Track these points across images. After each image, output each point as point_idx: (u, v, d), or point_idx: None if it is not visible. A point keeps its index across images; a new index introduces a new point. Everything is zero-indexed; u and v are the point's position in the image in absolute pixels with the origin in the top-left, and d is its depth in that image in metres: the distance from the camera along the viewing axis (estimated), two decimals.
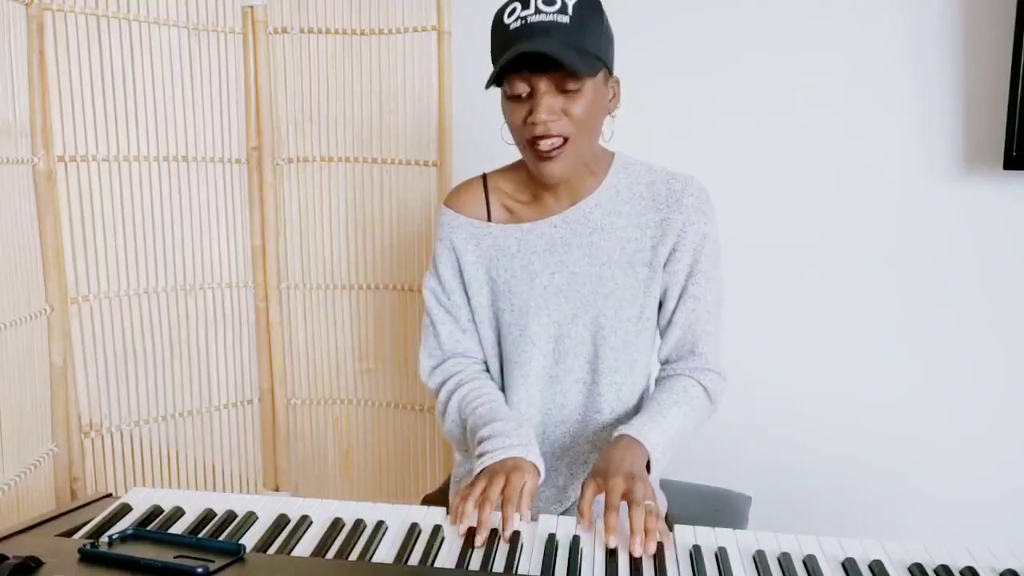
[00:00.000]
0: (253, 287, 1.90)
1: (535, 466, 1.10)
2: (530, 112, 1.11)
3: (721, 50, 1.79)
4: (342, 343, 1.93)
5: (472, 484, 1.04)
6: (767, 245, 1.82)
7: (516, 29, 1.09)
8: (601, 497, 1.02)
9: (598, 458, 1.10)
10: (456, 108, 1.79)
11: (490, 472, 1.06)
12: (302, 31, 1.82)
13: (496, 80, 1.12)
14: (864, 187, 1.76)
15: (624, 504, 0.99)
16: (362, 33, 1.81)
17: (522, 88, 1.11)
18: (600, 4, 1.13)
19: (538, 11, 1.08)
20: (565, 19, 1.08)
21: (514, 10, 1.10)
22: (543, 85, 1.10)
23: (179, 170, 1.78)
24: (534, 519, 1.01)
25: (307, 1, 1.80)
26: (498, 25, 1.13)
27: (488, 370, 1.33)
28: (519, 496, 1.02)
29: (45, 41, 1.57)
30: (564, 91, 1.10)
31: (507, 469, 1.06)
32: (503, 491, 1.02)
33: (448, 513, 1.02)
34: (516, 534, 0.96)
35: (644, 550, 0.92)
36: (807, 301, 1.83)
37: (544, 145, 1.12)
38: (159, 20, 1.71)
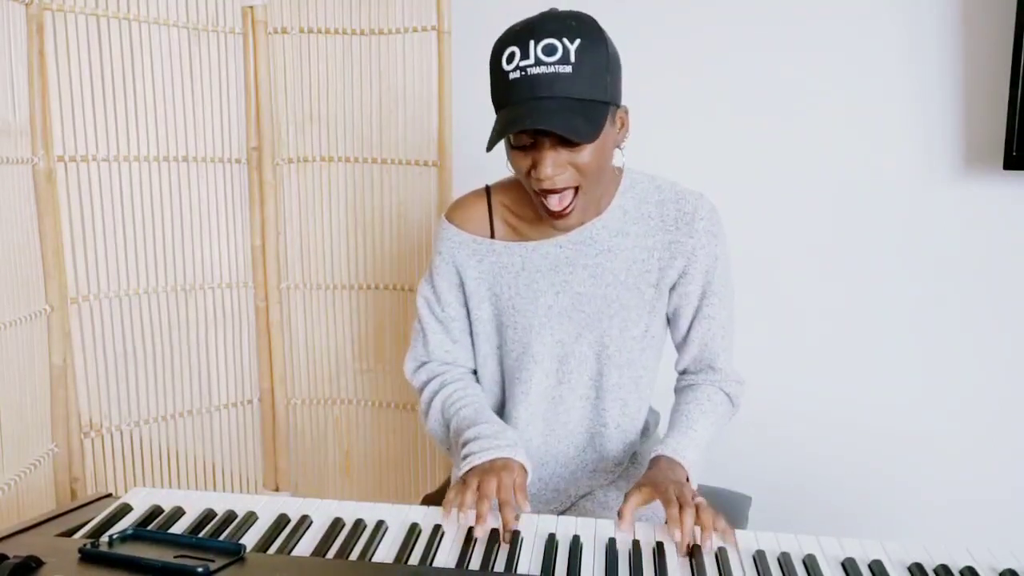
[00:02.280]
0: (253, 287, 1.90)
1: (523, 466, 1.10)
2: (534, 165, 1.07)
3: (721, 50, 1.79)
4: (342, 343, 1.93)
5: (465, 480, 1.04)
6: (766, 245, 1.82)
7: (516, 80, 1.03)
8: (641, 510, 1.01)
9: (642, 477, 1.09)
10: (456, 108, 1.79)
11: (480, 471, 1.06)
12: (302, 31, 1.82)
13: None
14: (864, 187, 1.76)
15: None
16: (362, 33, 1.80)
17: (525, 140, 1.07)
18: (601, 33, 1.05)
19: (538, 62, 1.02)
20: (567, 69, 1.02)
21: (512, 56, 1.03)
22: (547, 141, 1.05)
23: (179, 170, 1.78)
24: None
25: (307, 1, 1.80)
26: (496, 69, 1.06)
27: (478, 381, 1.31)
28: (513, 495, 1.02)
29: (45, 41, 1.57)
30: (569, 144, 1.06)
31: (497, 469, 1.06)
32: (498, 492, 1.01)
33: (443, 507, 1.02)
34: (516, 534, 0.96)
35: (703, 544, 0.94)
36: (806, 301, 1.83)
37: (554, 203, 1.10)
38: (159, 20, 1.71)
